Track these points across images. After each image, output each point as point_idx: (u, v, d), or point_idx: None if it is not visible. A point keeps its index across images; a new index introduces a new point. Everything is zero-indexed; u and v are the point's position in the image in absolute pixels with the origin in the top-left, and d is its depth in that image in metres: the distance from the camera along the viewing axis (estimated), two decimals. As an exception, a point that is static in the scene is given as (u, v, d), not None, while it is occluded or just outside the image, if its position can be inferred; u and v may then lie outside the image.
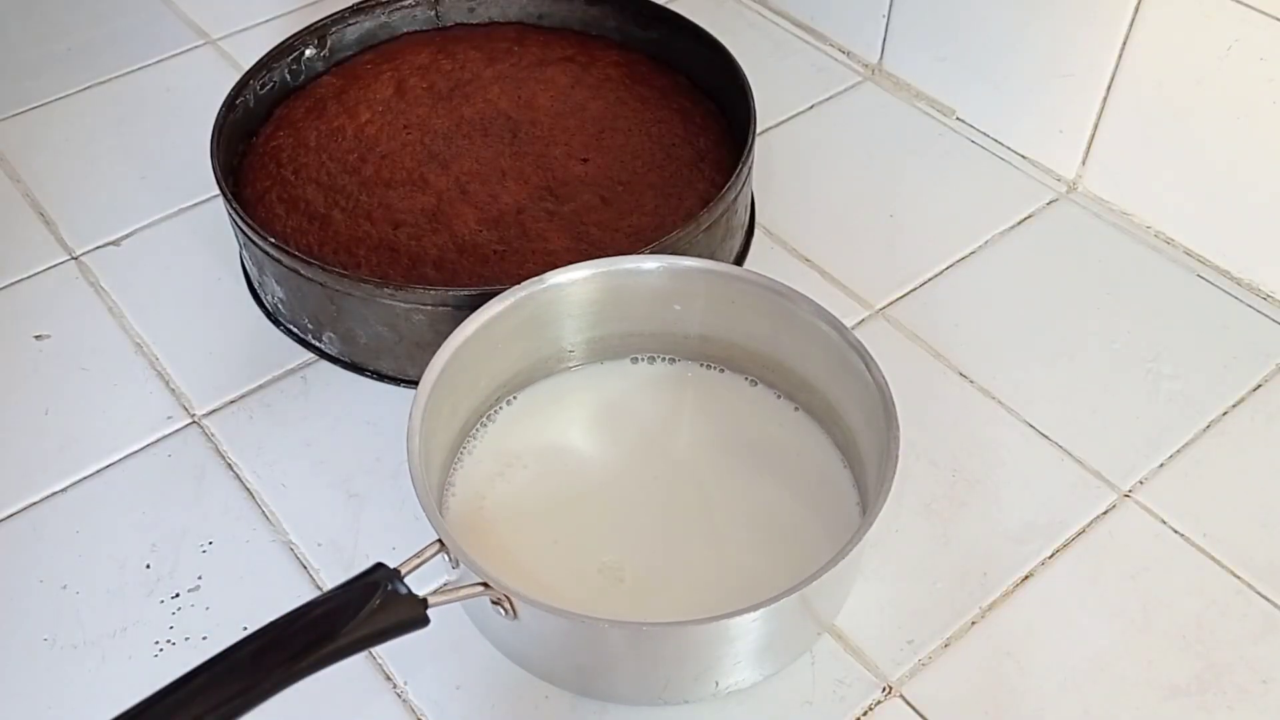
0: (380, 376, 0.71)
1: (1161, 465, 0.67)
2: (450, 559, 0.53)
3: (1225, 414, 0.69)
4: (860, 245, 0.79)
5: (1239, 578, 0.62)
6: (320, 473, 0.67)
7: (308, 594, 0.61)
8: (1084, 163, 0.82)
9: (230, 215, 0.72)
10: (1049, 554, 0.63)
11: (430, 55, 0.86)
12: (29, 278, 0.78)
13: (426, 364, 0.60)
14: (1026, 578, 0.62)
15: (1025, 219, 0.81)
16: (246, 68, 0.80)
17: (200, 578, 0.62)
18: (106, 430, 0.69)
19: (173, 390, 0.71)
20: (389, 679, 0.58)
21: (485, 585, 0.52)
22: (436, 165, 0.78)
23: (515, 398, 0.67)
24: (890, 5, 0.89)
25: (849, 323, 0.70)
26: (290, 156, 0.79)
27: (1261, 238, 0.74)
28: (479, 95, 0.83)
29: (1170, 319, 0.74)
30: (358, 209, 0.75)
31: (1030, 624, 0.60)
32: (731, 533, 0.62)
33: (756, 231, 0.80)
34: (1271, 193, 0.73)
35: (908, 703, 0.57)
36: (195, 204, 0.83)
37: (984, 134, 0.87)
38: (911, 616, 0.60)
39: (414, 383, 0.62)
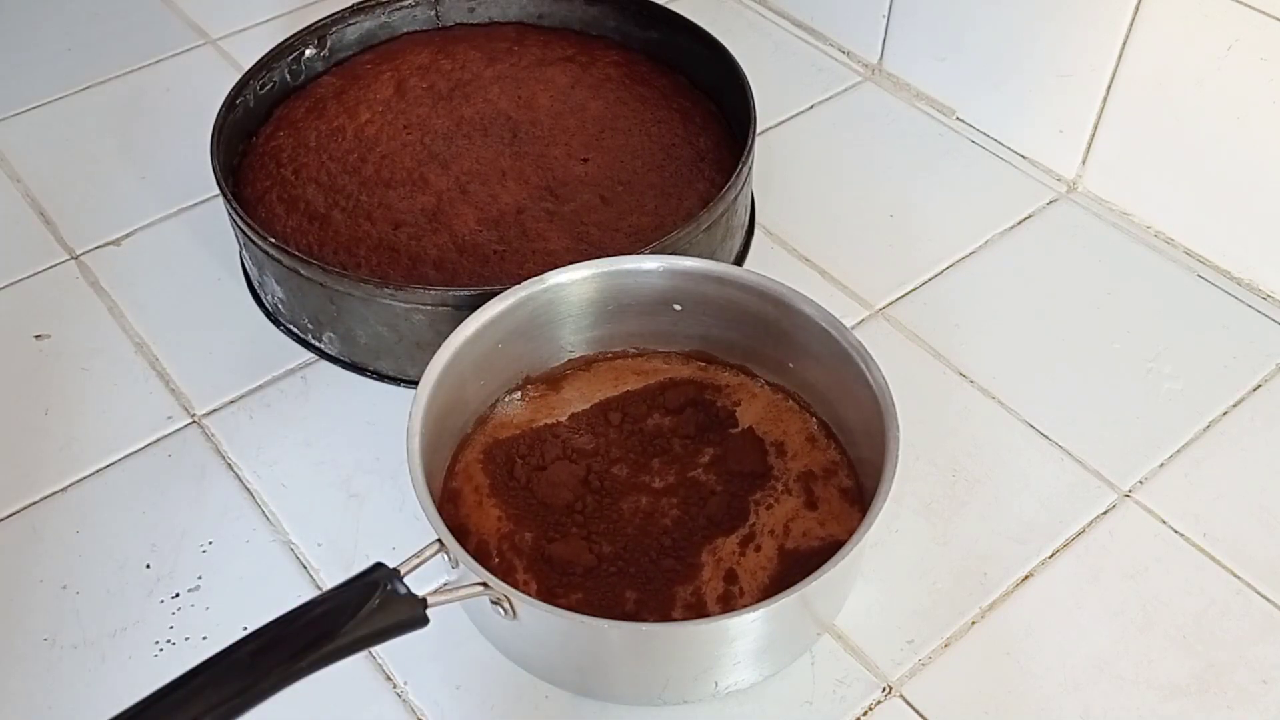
0: (380, 376, 0.71)
1: (1161, 465, 0.67)
2: (450, 559, 0.53)
3: (1225, 414, 0.69)
4: (860, 245, 0.79)
5: (1239, 578, 0.62)
6: (320, 473, 0.67)
7: (308, 594, 0.61)
8: (1084, 163, 0.82)
9: (230, 215, 0.72)
10: (1049, 554, 0.63)
11: (430, 55, 0.86)
12: (29, 278, 0.78)
13: (426, 364, 0.60)
14: (1026, 578, 0.62)
15: (1025, 219, 0.81)
16: (246, 68, 0.80)
17: (200, 578, 0.62)
18: (106, 430, 0.69)
19: (173, 390, 0.71)
20: (389, 679, 0.58)
21: (485, 585, 0.52)
22: (436, 165, 0.78)
23: (516, 397, 0.67)
24: (890, 5, 0.89)
25: (849, 323, 0.70)
26: (290, 156, 0.79)
27: (1261, 238, 0.74)
28: (479, 95, 0.83)
29: (1170, 319, 0.74)
30: (358, 209, 0.75)
31: (1030, 624, 0.60)
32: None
33: (756, 231, 0.80)
34: (1271, 193, 0.72)
35: (908, 703, 0.57)
36: (195, 204, 0.83)
37: (984, 134, 0.87)
38: (911, 616, 0.60)
39: (414, 383, 0.62)
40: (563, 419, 0.66)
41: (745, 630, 0.53)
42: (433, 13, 0.89)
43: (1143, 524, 0.64)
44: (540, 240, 0.73)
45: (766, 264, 0.78)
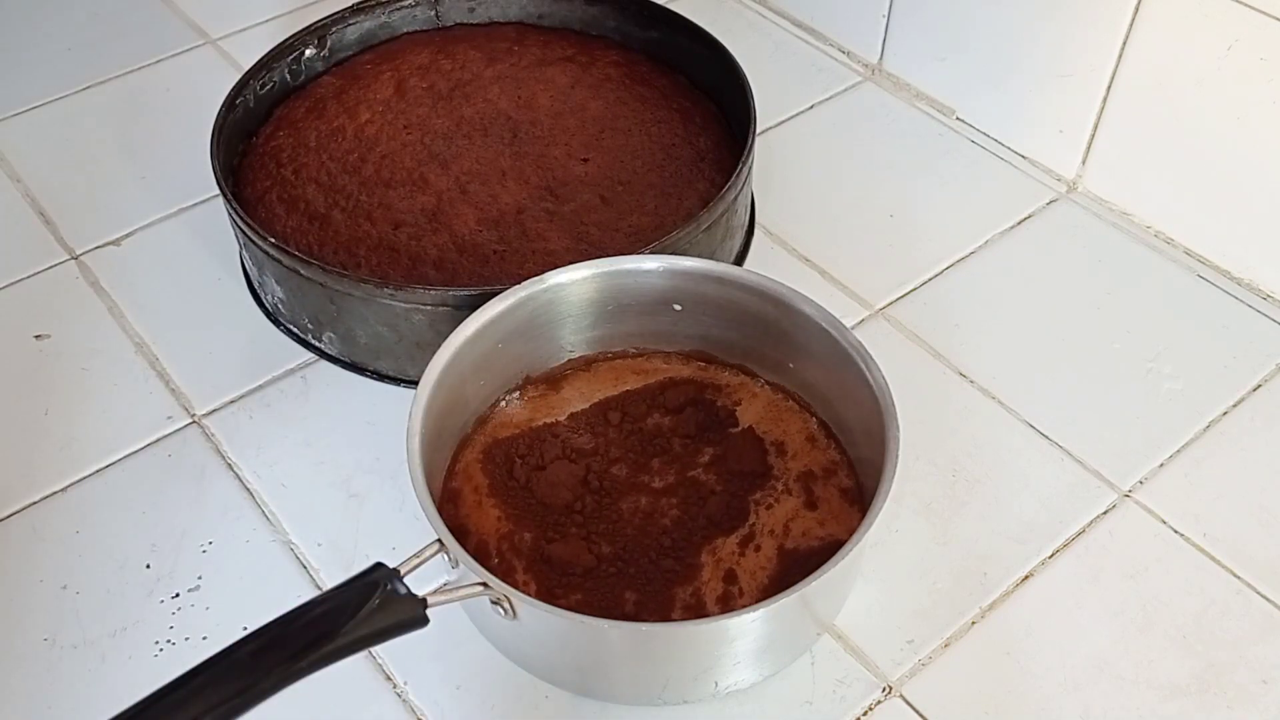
0: (380, 376, 0.71)
1: (1161, 465, 0.67)
2: (450, 559, 0.53)
3: (1225, 414, 0.69)
4: (860, 245, 0.79)
5: (1239, 578, 0.62)
6: (320, 473, 0.67)
7: (308, 594, 0.61)
8: (1084, 163, 0.82)
9: (230, 215, 0.72)
10: (1049, 554, 0.63)
11: (430, 55, 0.86)
12: (29, 278, 0.78)
13: (426, 364, 0.60)
14: (1026, 578, 0.62)
15: (1025, 219, 0.81)
16: (246, 68, 0.80)
17: (200, 578, 0.62)
18: (106, 430, 0.69)
19: (173, 390, 0.71)
20: (389, 679, 0.59)
21: (485, 585, 0.52)
22: (436, 165, 0.78)
23: (516, 396, 0.67)
24: (890, 5, 0.89)
25: (849, 323, 0.70)
26: (290, 156, 0.79)
27: (1261, 238, 0.74)
28: (479, 95, 0.83)
29: (1170, 319, 0.74)
30: (358, 209, 0.75)
31: (1030, 624, 0.60)
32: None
33: (756, 231, 0.80)
34: (1271, 193, 0.73)
35: (908, 703, 0.57)
36: (195, 204, 0.83)
37: (984, 134, 0.87)
38: (911, 616, 0.60)
39: (414, 383, 0.62)
40: (562, 419, 0.66)
41: (745, 630, 0.53)
42: (433, 13, 0.89)
43: (1143, 524, 0.64)
44: (540, 240, 0.73)
45: (766, 264, 0.78)
